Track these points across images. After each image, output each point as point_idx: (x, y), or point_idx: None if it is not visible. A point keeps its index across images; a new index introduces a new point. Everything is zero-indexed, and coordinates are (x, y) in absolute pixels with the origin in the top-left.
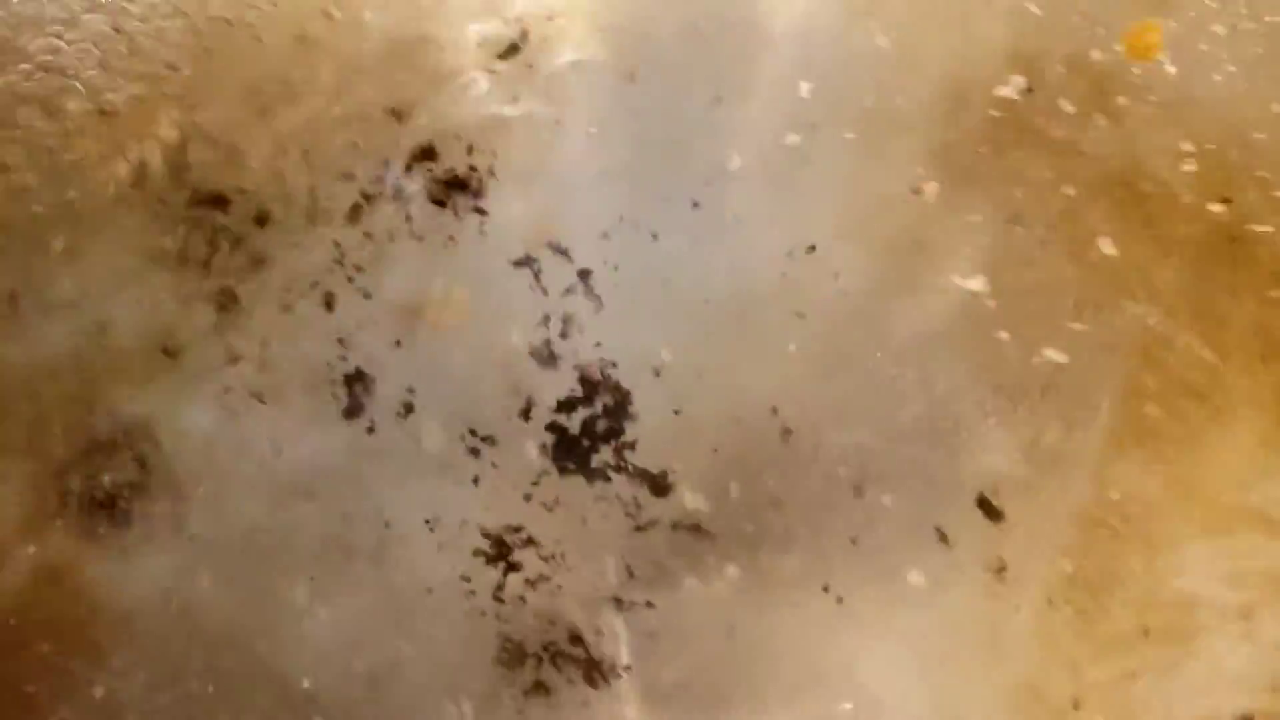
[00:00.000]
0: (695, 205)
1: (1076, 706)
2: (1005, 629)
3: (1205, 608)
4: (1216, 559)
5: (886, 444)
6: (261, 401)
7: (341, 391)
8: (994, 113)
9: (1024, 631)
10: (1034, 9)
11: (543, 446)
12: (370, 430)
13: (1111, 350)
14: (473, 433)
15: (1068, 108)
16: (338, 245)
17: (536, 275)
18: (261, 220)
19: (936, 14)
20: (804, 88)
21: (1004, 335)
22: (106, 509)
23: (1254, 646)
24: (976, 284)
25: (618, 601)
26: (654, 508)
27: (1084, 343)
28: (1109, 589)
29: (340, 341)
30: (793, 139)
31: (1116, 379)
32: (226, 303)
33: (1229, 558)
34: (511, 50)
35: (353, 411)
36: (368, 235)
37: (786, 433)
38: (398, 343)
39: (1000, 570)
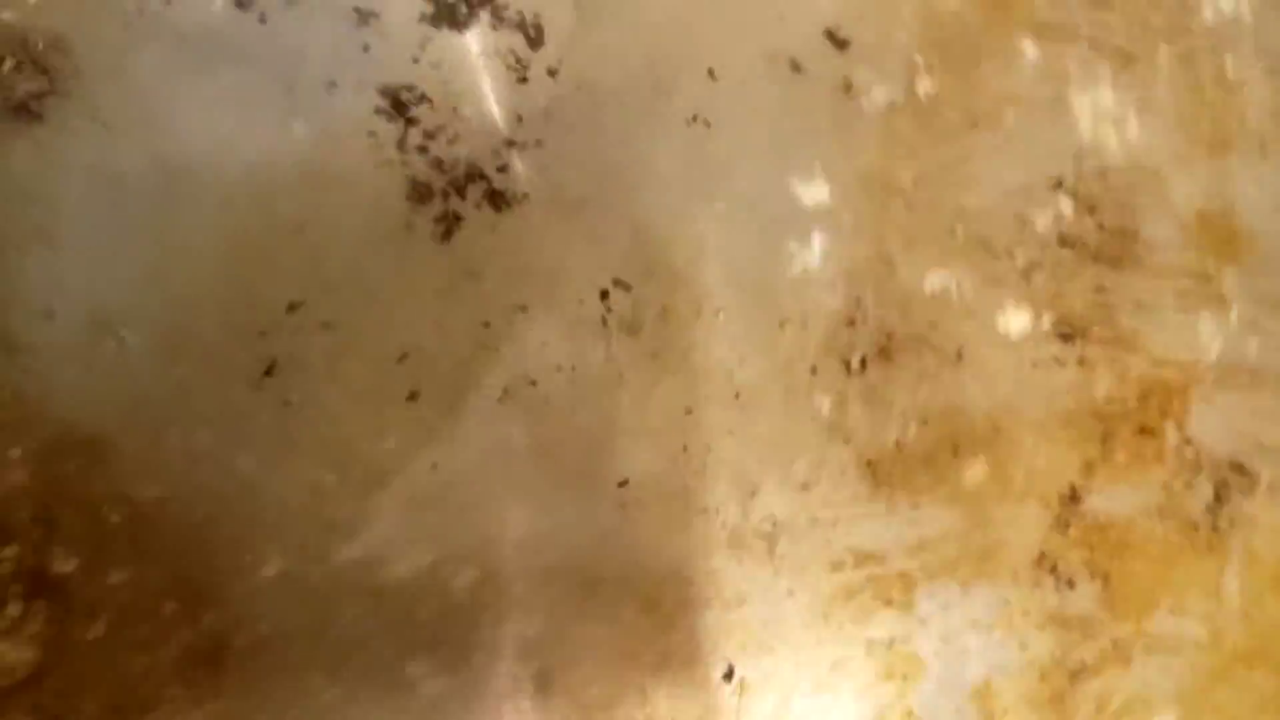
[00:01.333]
0: None
1: (916, 184)
2: (854, 129)
3: (1023, 102)
4: (1038, 60)
5: None
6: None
7: None
8: None
9: (871, 130)
10: None
11: (423, 14)
12: (262, 19)
13: None
14: (357, 10)
15: None
16: None
17: None
18: None
19: None
20: None
21: None
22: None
23: (1062, 127)
24: None
25: (511, 143)
26: (533, 60)
27: None
28: (945, 94)
29: None
30: None
31: None
32: None
33: (1047, 59)
34: None
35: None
36: None
37: None
38: None
39: (848, 88)
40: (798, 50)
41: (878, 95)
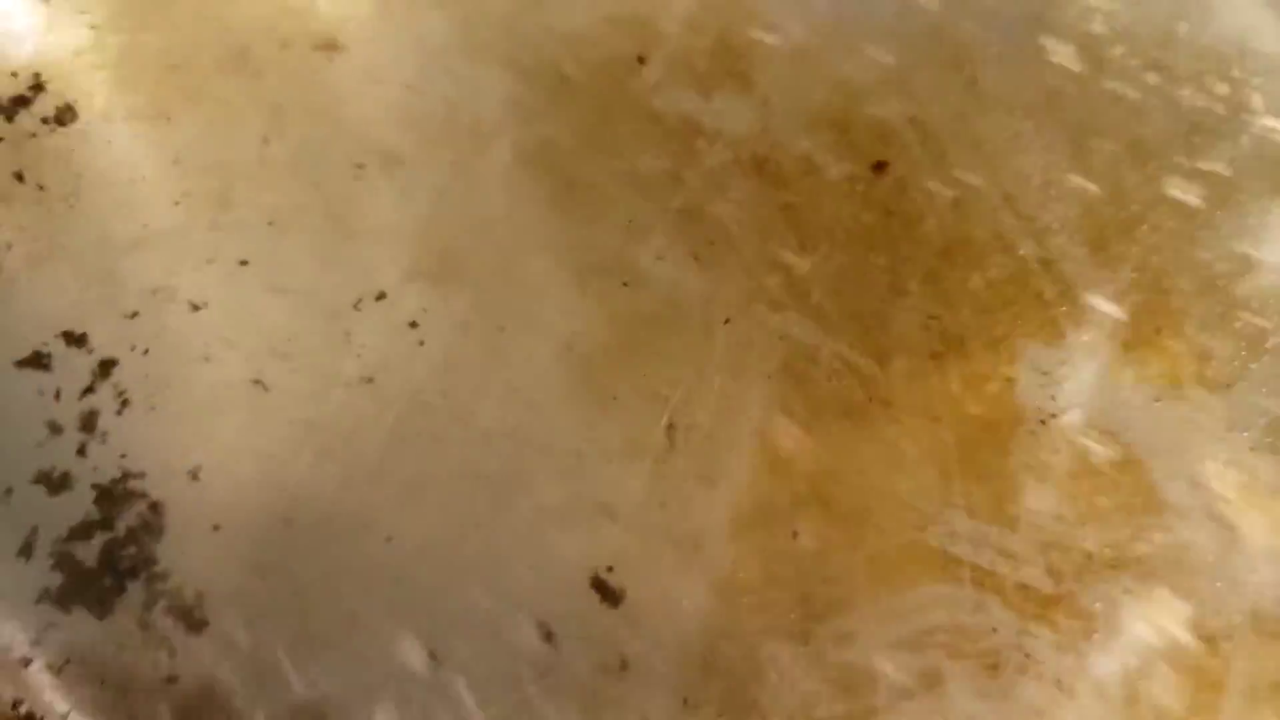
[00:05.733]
0: (244, 263)
1: None
2: None
3: (883, 683)
4: (892, 621)
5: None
6: None
7: None
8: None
9: None
10: None
11: (46, 590)
12: None
13: (744, 371)
14: None
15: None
16: None
17: (46, 373)
18: None
19: None
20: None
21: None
22: None
23: None
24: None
25: None
26: (191, 649)
27: (715, 365)
28: (758, 678)
29: None
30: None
31: (754, 405)
32: None
33: (907, 616)
34: (19, 104)
35: None
36: None
37: (355, 532)
38: None
39: (622, 667)
40: None
41: (659, 675)
